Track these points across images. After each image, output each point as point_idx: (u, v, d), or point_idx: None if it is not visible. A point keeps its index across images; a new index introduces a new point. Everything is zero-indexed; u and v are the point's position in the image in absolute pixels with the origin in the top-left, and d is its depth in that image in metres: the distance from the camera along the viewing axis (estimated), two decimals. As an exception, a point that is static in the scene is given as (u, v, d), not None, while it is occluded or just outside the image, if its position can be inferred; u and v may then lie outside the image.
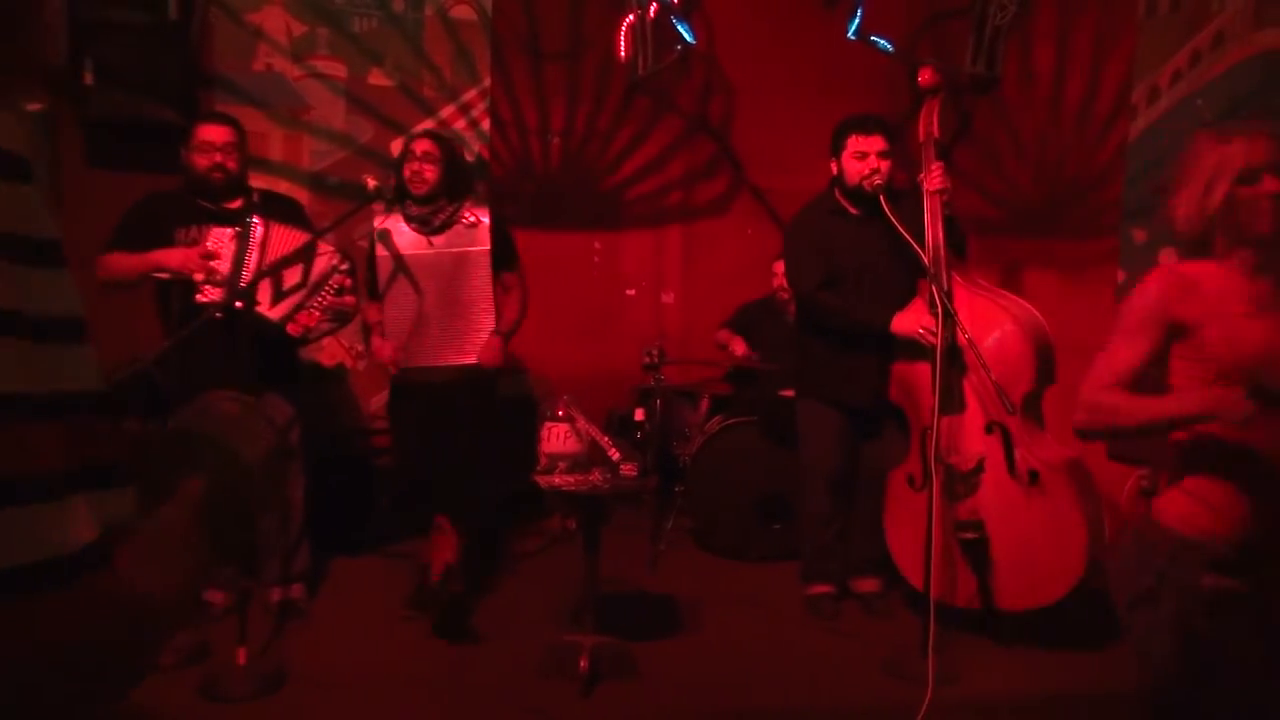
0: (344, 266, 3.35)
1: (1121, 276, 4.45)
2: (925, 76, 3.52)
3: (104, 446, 0.61)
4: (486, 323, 3.74)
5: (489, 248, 3.72)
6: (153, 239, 3.30)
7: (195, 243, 3.30)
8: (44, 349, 0.57)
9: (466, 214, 3.73)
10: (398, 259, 3.70)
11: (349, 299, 3.42)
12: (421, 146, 3.70)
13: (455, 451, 3.71)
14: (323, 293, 3.31)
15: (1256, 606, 1.77)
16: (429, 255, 3.70)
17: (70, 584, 0.54)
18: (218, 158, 3.39)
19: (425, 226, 3.69)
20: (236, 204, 3.46)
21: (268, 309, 3.23)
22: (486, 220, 3.75)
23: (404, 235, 3.72)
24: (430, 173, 3.64)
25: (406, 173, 3.66)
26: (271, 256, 3.26)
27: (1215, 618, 1.77)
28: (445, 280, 3.71)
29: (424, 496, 3.78)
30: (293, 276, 3.30)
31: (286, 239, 3.31)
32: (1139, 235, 4.39)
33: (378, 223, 3.75)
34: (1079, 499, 3.22)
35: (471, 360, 3.70)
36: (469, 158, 5.15)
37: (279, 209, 3.50)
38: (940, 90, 3.53)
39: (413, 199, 3.67)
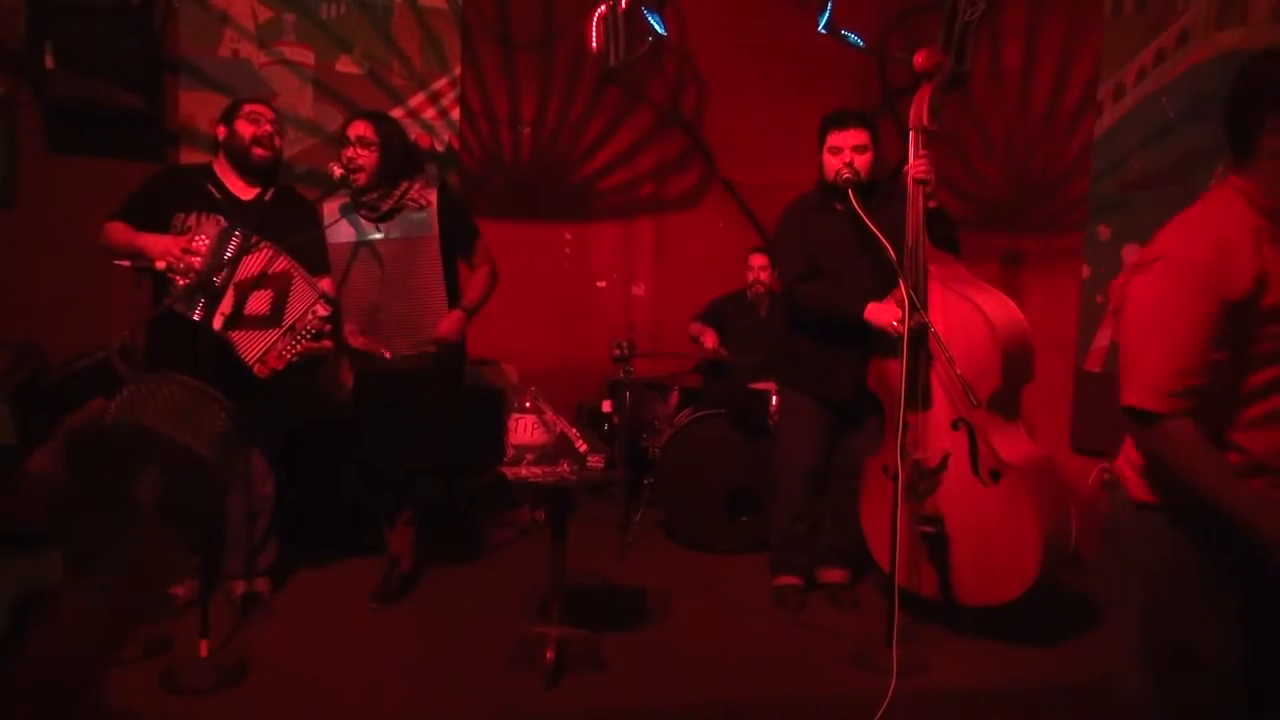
0: (324, 312, 3.18)
1: (1087, 272, 4.50)
2: (921, 58, 3.41)
3: (21, 507, 0.56)
4: (442, 309, 3.60)
5: (436, 233, 3.58)
6: (153, 217, 3.23)
7: (186, 231, 3.22)
8: None
9: (414, 196, 3.57)
10: (349, 248, 3.58)
11: (326, 344, 3.26)
12: (356, 130, 3.51)
13: (422, 441, 3.66)
14: (298, 338, 3.16)
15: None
16: (379, 243, 3.57)
17: None
18: (269, 129, 3.35)
19: (373, 213, 3.56)
20: (252, 193, 3.37)
21: (219, 325, 3.10)
22: (434, 202, 3.59)
23: (353, 223, 3.58)
24: (366, 158, 3.47)
25: (344, 160, 3.47)
26: (241, 275, 3.13)
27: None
28: (396, 268, 3.58)
29: (390, 487, 3.75)
30: (261, 305, 3.15)
31: (262, 261, 3.16)
32: (1104, 231, 4.44)
33: (327, 210, 3.58)
34: (1038, 501, 3.21)
35: (429, 349, 3.57)
36: (438, 147, 5.12)
37: (291, 211, 3.39)
38: (935, 74, 3.41)
39: (352, 189, 3.50)
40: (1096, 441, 4.43)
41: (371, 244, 3.58)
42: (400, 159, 3.56)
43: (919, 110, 3.40)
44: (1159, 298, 1.78)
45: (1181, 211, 1.90)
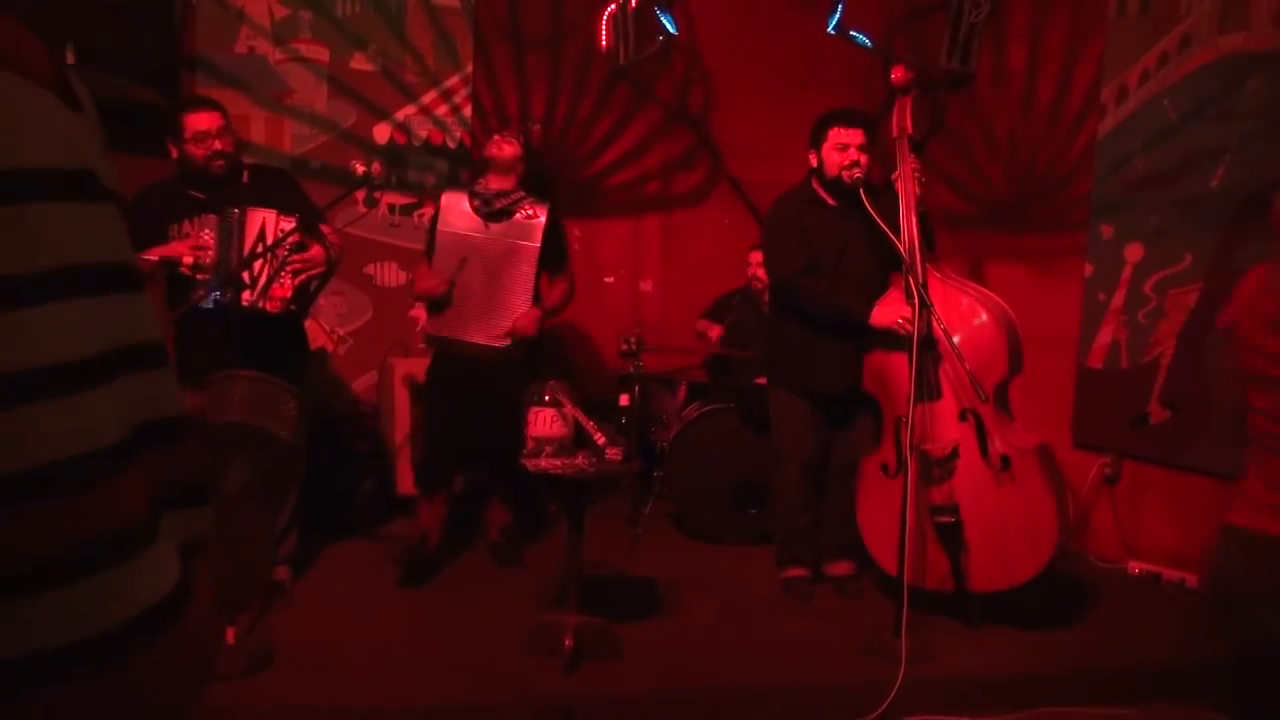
0: (287, 225, 3.25)
1: (1089, 270, 4.58)
2: (897, 74, 3.62)
3: (186, 468, 0.61)
4: (523, 310, 3.85)
5: (539, 245, 3.82)
6: (147, 237, 3.28)
7: (185, 238, 3.30)
8: (141, 380, 0.56)
9: (526, 207, 3.82)
10: (453, 236, 3.82)
11: (314, 251, 3.34)
12: (505, 130, 4.00)
13: (492, 427, 3.76)
14: (283, 258, 3.24)
15: None
16: (481, 239, 3.82)
17: (169, 626, 0.53)
18: (216, 145, 3.37)
19: (485, 207, 3.81)
20: (240, 183, 3.46)
21: (248, 300, 3.22)
22: (543, 218, 3.84)
23: (463, 214, 3.83)
24: (509, 147, 3.82)
25: (489, 143, 3.88)
26: (250, 240, 3.26)
27: None
28: (493, 266, 3.82)
29: (440, 464, 3.93)
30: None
31: (257, 219, 3.27)
32: (1106, 231, 4.52)
33: (444, 197, 3.90)
34: (1048, 482, 3.35)
35: (502, 342, 3.80)
36: (450, 144, 5.19)
37: (269, 182, 3.50)
38: (912, 88, 3.62)
39: (485, 162, 3.88)
40: (1097, 437, 4.52)
41: (475, 239, 3.83)
42: (534, 174, 3.92)
43: (901, 118, 3.59)
44: None
45: None
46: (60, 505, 0.48)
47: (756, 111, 5.74)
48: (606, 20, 5.32)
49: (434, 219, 3.92)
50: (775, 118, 5.64)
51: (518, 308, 3.83)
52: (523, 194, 3.84)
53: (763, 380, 4.57)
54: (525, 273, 3.83)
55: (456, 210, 3.84)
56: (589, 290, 5.88)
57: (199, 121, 3.36)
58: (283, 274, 3.27)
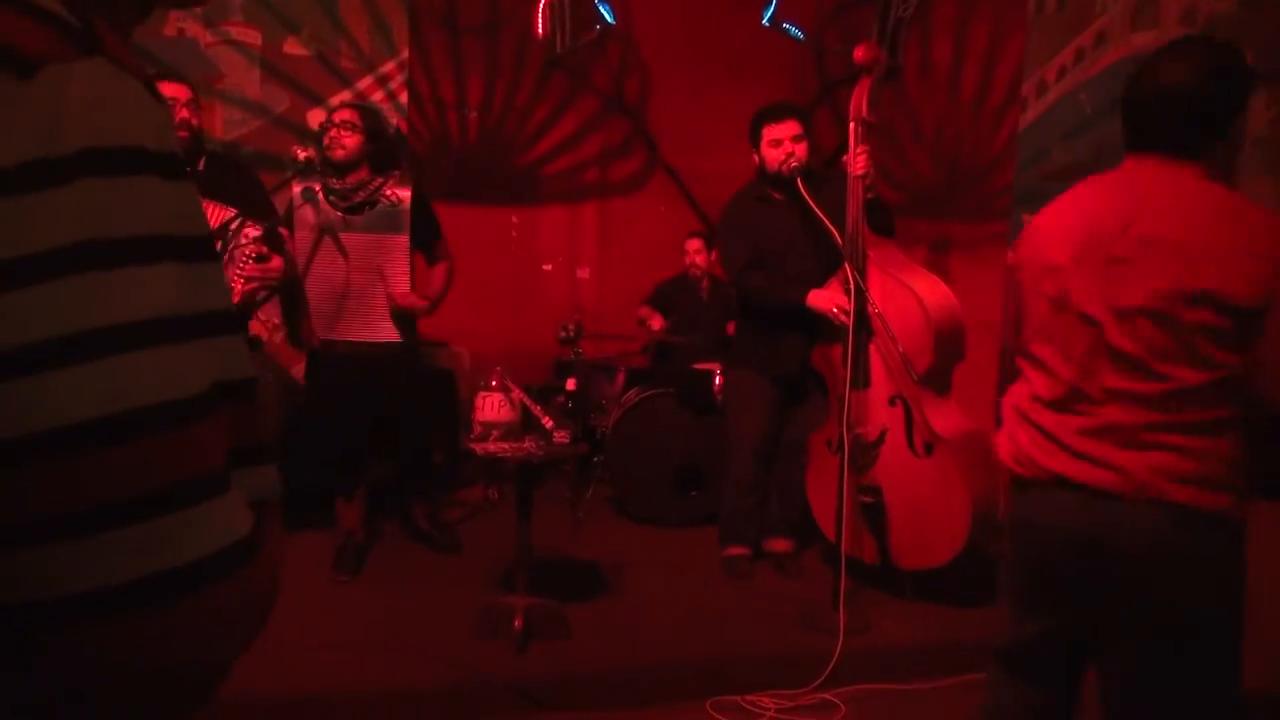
0: (253, 232, 3.21)
1: (1012, 257, 4.78)
2: (860, 52, 3.46)
3: (254, 429, 0.66)
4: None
5: (408, 234, 3.66)
6: None
7: None
8: (218, 343, 0.61)
9: (388, 193, 3.65)
10: (316, 234, 3.63)
11: (274, 263, 3.27)
12: (342, 115, 3.65)
13: (377, 421, 3.75)
14: (239, 263, 3.19)
15: None
16: (346, 233, 3.63)
17: (245, 564, 0.59)
18: (184, 113, 3.33)
19: (344, 202, 3.61)
20: (196, 168, 3.40)
21: None
22: (407, 199, 3.67)
23: (322, 211, 3.62)
24: (349, 139, 3.57)
25: (326, 140, 3.58)
26: None
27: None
28: (363, 260, 3.65)
29: (344, 465, 3.85)
30: None
31: (213, 216, 3.22)
32: (1027, 219, 4.72)
33: (296, 193, 3.64)
34: (968, 474, 3.44)
35: (387, 336, 3.68)
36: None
37: (228, 174, 3.44)
38: (874, 68, 3.48)
39: (332, 165, 3.59)
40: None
41: (338, 233, 3.63)
42: (382, 151, 3.67)
43: (859, 103, 3.47)
44: None
45: None
46: (153, 445, 0.54)
47: (692, 101, 5.82)
48: (543, 8, 5.34)
49: (288, 221, 3.63)
50: (711, 108, 5.73)
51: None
52: (380, 179, 3.65)
53: (701, 365, 4.67)
54: (402, 263, 3.68)
55: (314, 206, 3.62)
56: (527, 277, 5.93)
57: (167, 89, 3.31)
58: (231, 279, 3.16)
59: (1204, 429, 1.68)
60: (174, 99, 3.33)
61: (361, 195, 3.62)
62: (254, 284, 3.21)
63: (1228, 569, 1.72)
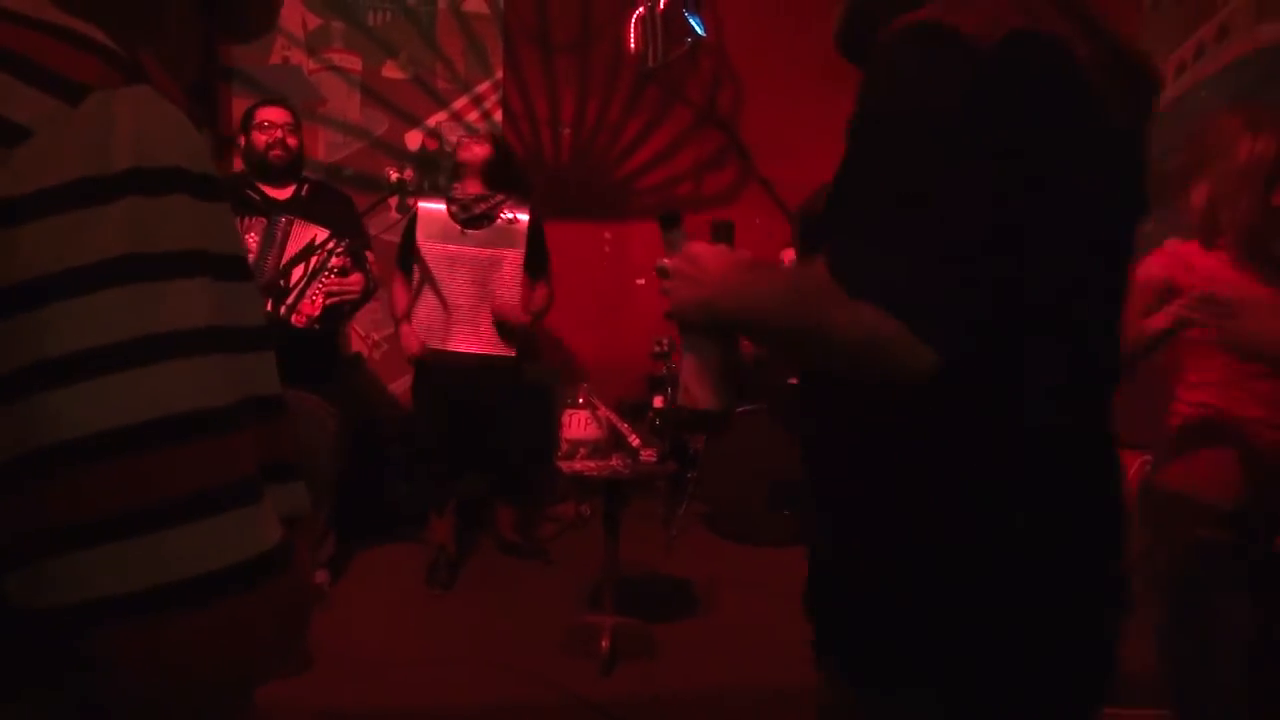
0: (336, 247, 3.35)
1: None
2: None
3: (283, 445, 0.66)
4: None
5: (523, 251, 3.79)
6: None
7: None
8: (249, 358, 0.62)
9: (506, 210, 3.77)
10: (432, 245, 3.78)
11: (354, 278, 3.42)
12: (474, 138, 3.92)
13: (489, 436, 3.80)
14: (321, 277, 3.33)
15: (1246, 559, 1.85)
16: (464, 249, 3.77)
17: (274, 576, 0.59)
18: (278, 134, 3.48)
19: (463, 213, 3.75)
20: (287, 192, 3.52)
21: (282, 313, 3.29)
22: (525, 220, 3.80)
23: (440, 222, 3.78)
24: (479, 148, 3.76)
25: (456, 139, 3.92)
26: (290, 254, 3.32)
27: (1207, 567, 1.86)
28: (476, 274, 3.78)
29: (439, 477, 3.90)
30: (297, 268, 3.36)
31: (305, 235, 3.36)
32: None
33: (420, 206, 3.83)
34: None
35: (492, 350, 3.78)
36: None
37: (327, 201, 3.57)
38: None
39: (456, 167, 3.82)
40: (1138, 435, 4.45)
41: (456, 248, 3.77)
42: (504, 168, 3.82)
43: None
44: None
45: None
46: (188, 451, 0.55)
47: (786, 111, 5.72)
48: (635, 23, 5.34)
49: (409, 229, 3.83)
50: (804, 117, 5.61)
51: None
52: (502, 197, 3.78)
53: (796, 380, 4.56)
54: (513, 279, 3.80)
55: (434, 219, 3.78)
56: (620, 292, 5.91)
57: (270, 113, 3.52)
58: (315, 292, 3.32)
59: None
60: (274, 122, 3.45)
61: (481, 208, 3.75)
62: (334, 298, 3.31)
63: None
